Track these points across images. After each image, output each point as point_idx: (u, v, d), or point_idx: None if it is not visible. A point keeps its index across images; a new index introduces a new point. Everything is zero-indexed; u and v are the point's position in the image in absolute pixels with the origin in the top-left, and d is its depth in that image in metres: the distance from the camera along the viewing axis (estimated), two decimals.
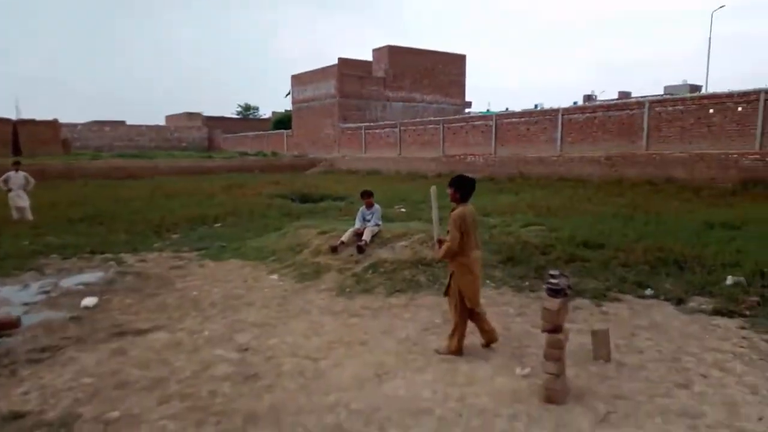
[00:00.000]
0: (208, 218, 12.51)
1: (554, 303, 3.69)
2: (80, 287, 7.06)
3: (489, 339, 4.67)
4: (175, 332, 5.32)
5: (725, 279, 6.27)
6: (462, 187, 4.50)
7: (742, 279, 6.18)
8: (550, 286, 3.75)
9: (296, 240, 8.66)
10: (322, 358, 4.57)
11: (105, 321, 5.67)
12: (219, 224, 12.00)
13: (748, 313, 5.33)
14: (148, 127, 49.45)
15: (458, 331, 4.52)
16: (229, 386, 4.09)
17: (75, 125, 44.98)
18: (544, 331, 3.76)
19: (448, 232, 4.47)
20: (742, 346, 4.56)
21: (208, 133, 52.57)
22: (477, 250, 4.56)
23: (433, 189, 4.83)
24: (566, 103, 23.16)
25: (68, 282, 7.36)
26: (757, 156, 15.04)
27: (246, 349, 4.82)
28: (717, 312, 5.40)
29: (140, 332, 5.31)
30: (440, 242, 4.64)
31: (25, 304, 6.34)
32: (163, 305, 6.25)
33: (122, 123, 51.00)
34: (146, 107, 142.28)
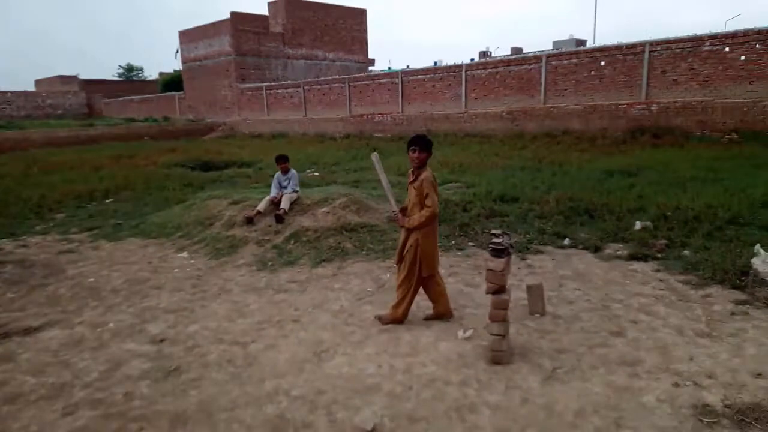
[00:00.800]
0: (97, 193, 11.23)
1: (498, 263, 3.58)
2: None
3: (443, 310, 4.44)
4: (74, 327, 4.64)
5: (634, 224, 6.64)
6: (428, 148, 4.15)
7: (648, 223, 6.58)
8: (493, 245, 3.62)
9: (205, 212, 7.97)
10: (252, 342, 4.18)
11: None
12: (110, 200, 10.82)
13: (659, 255, 5.66)
14: (14, 93, 43.48)
15: (408, 300, 4.32)
16: (147, 385, 3.60)
17: None
18: (488, 292, 3.65)
19: (427, 197, 4.05)
20: (660, 289, 4.81)
21: (86, 99, 47.45)
22: None
23: (375, 155, 4.48)
24: (462, 61, 23.40)
25: None
26: (643, 106, 16.22)
27: (162, 340, 4.29)
28: (633, 257, 5.69)
29: (30, 331, 4.56)
30: (402, 211, 4.28)
31: None
32: (54, 297, 5.44)
33: None
34: (10, 71, 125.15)
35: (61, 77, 53.21)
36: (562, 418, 2.98)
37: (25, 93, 44.95)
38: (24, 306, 5.19)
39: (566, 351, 3.75)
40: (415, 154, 4.14)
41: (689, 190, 8.09)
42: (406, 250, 4.25)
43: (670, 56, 15.95)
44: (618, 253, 5.91)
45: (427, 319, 4.46)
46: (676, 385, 3.22)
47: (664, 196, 7.76)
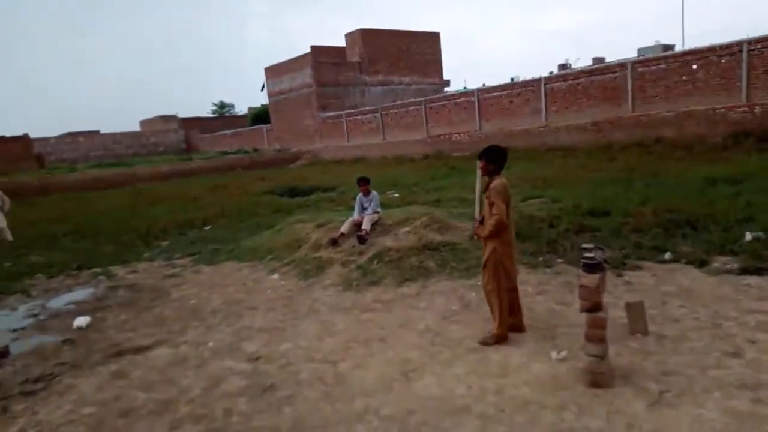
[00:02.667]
0: (197, 221, 12.07)
1: (592, 279, 3.40)
2: (71, 307, 6.64)
3: (518, 324, 4.40)
4: (178, 346, 4.97)
5: (744, 235, 6.06)
6: (493, 159, 4.29)
7: (761, 234, 5.98)
8: (585, 261, 3.45)
9: (293, 236, 8.29)
10: (341, 360, 4.26)
11: (101, 341, 5.28)
12: (208, 227, 11.57)
13: None
14: (123, 134, 48.24)
15: (502, 314, 4.24)
16: (244, 402, 3.76)
17: (47, 139, 43.55)
18: (583, 310, 3.47)
19: (493, 205, 4.14)
20: None
21: (185, 135, 51.53)
22: None
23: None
24: (541, 74, 22.85)
25: (57, 302, 6.93)
26: (745, 108, 14.90)
27: (257, 358, 4.48)
28: (745, 271, 5.18)
29: (140, 350, 4.95)
30: (481, 221, 4.35)
31: (13, 330, 5.91)
32: (161, 318, 5.88)
33: (96, 132, 49.64)
34: (119, 114, 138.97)
35: (162, 117, 58.22)
36: None
37: (132, 133, 49.67)
38: (135, 326, 5.65)
39: (674, 373, 3.46)
40: (481, 164, 4.34)
41: None
42: (485, 261, 4.29)
43: None
44: (727, 266, 5.41)
45: (484, 343, 4.28)
46: None
47: None
